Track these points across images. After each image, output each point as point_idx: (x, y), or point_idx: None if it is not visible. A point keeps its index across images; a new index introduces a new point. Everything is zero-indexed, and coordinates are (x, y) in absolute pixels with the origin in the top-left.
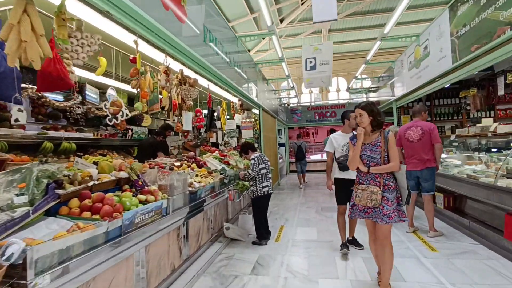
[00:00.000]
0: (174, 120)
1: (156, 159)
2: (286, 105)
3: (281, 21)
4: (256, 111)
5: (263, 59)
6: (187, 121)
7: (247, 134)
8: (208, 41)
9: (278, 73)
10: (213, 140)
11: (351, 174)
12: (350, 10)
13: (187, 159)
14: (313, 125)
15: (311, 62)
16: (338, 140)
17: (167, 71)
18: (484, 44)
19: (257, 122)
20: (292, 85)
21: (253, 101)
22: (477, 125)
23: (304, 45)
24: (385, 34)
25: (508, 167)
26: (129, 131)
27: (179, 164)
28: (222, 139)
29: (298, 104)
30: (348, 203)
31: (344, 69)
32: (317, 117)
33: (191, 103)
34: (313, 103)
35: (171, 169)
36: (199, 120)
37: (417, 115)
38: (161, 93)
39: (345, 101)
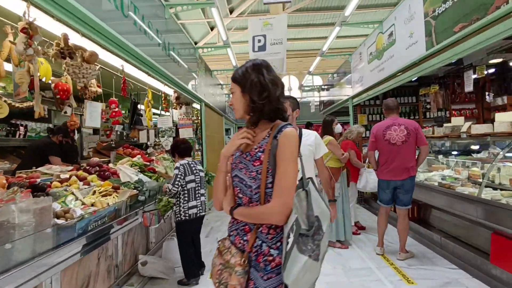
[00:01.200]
0: (65, 112)
1: (40, 168)
2: None
3: (231, 12)
4: (198, 106)
5: (210, 52)
6: (93, 114)
7: (186, 134)
8: None
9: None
10: (143, 140)
11: None
12: (301, 4)
13: (88, 167)
14: None
15: (259, 41)
16: None
17: (29, 30)
18: (476, 20)
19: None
20: None
21: (192, 93)
22: (446, 125)
23: (252, 20)
24: (346, 18)
25: (491, 176)
26: (21, 127)
27: (68, 176)
28: (156, 139)
29: None
30: None
31: (296, 68)
32: None
33: (98, 90)
34: None
35: (39, 188)
36: (114, 114)
37: (395, 111)
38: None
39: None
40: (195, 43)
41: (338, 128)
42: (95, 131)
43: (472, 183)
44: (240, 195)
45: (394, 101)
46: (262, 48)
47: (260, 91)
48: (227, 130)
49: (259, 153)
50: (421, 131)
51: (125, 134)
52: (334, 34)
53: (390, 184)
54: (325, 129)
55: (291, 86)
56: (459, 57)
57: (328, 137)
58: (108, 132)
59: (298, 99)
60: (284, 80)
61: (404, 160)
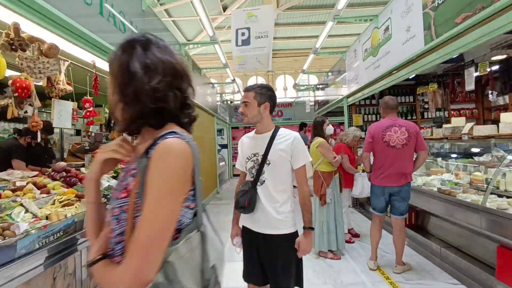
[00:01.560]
0: (25, 112)
1: None
2: (229, 102)
3: (224, 9)
4: None
5: (196, 49)
6: (63, 114)
7: None
8: None
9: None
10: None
11: (260, 221)
12: (296, 1)
13: (52, 173)
14: None
15: (243, 34)
16: (245, 147)
17: None
18: (480, 9)
19: None
20: (232, 78)
21: None
22: (445, 125)
23: (235, 11)
24: (339, 11)
25: (496, 182)
26: None
27: (25, 183)
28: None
29: None
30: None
31: (292, 67)
32: None
33: (68, 87)
34: None
35: None
36: (88, 114)
37: (395, 111)
38: None
39: (292, 100)
40: (189, 41)
41: (329, 129)
42: (78, 131)
43: (474, 189)
44: (113, 233)
45: (394, 100)
46: (246, 42)
47: (124, 83)
48: (220, 131)
49: (130, 178)
50: (421, 135)
51: (108, 135)
52: (327, 30)
53: (385, 190)
54: (316, 130)
55: (286, 85)
56: (461, 51)
57: (319, 139)
58: (90, 133)
59: (293, 99)
60: (280, 79)
61: (403, 165)
